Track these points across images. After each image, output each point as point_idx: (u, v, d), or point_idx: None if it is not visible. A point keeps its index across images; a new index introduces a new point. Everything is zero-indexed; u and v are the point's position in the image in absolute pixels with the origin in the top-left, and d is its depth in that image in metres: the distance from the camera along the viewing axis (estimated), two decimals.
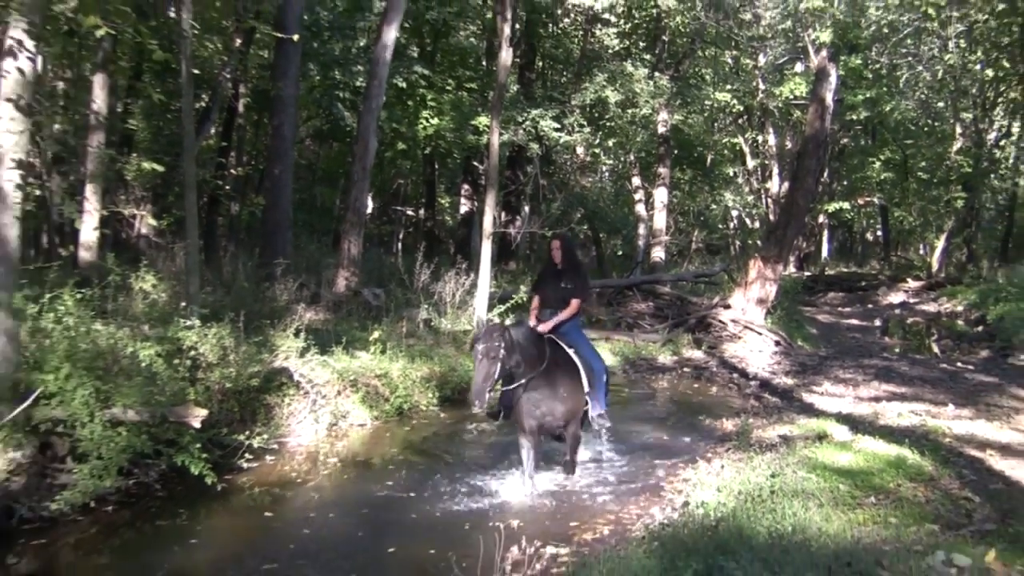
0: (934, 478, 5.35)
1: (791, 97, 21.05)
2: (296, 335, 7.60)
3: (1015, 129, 24.58)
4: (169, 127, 15.64)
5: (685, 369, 11.22)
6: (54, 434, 5.21)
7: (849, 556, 3.69)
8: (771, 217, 24.16)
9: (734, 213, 29.29)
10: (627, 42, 20.78)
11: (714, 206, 28.62)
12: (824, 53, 13.66)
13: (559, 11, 19.66)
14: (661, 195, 21.24)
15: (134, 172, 12.18)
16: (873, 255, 32.63)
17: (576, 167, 22.53)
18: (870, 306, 20.74)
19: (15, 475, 4.96)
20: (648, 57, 19.69)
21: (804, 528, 4.21)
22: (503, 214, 18.84)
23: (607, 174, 29.82)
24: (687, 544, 3.98)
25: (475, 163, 19.37)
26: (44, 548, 4.68)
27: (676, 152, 22.84)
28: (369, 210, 17.03)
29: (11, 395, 5.07)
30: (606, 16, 20.68)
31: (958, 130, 23.91)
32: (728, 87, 22.30)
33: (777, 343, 12.47)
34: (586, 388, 5.89)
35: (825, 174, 24.25)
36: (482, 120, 15.97)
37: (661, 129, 20.56)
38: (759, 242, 19.90)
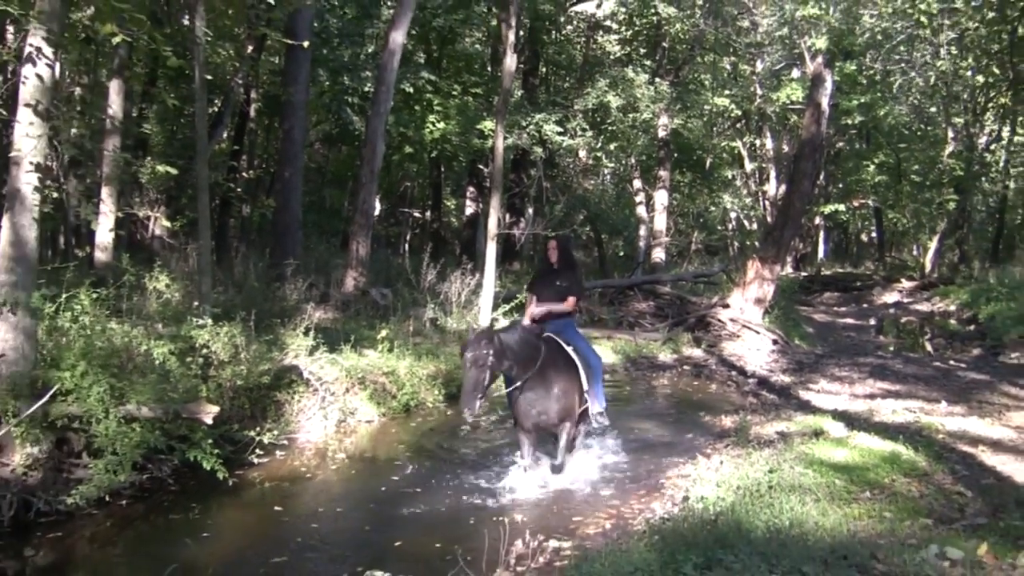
0: (928, 473, 5.37)
1: (788, 102, 21.09)
2: (305, 334, 7.65)
3: (1005, 133, 24.63)
4: (183, 131, 15.79)
5: (685, 367, 11.28)
6: (70, 430, 5.26)
7: (845, 549, 3.72)
8: (768, 219, 24.19)
9: (732, 215, 29.33)
10: (628, 48, 20.94)
11: (713, 208, 28.68)
12: (820, 59, 13.74)
13: (562, 18, 19.81)
14: (661, 197, 21.33)
15: (149, 175, 12.25)
16: (868, 256, 32.70)
17: (578, 170, 22.59)
18: (865, 306, 20.82)
19: (32, 470, 5.02)
20: (649, 63, 19.80)
21: (801, 522, 4.23)
22: (507, 216, 18.91)
23: (609, 177, 29.85)
24: (687, 538, 3.98)
25: (480, 166, 19.43)
26: (60, 541, 4.73)
27: (676, 155, 22.92)
28: (377, 212, 17.17)
29: (29, 392, 5.12)
30: (608, 23, 20.85)
31: (950, 134, 23.98)
32: (727, 92, 22.37)
33: (775, 342, 12.55)
34: (585, 386, 5.88)
35: (821, 177, 24.26)
36: (487, 124, 16.07)
37: (661, 133, 20.63)
38: (757, 243, 19.97)
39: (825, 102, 13.55)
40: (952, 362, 11.09)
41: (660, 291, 15.13)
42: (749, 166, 27.07)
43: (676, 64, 21.06)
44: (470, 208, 20.89)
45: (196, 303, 7.39)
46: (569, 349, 5.94)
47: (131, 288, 7.34)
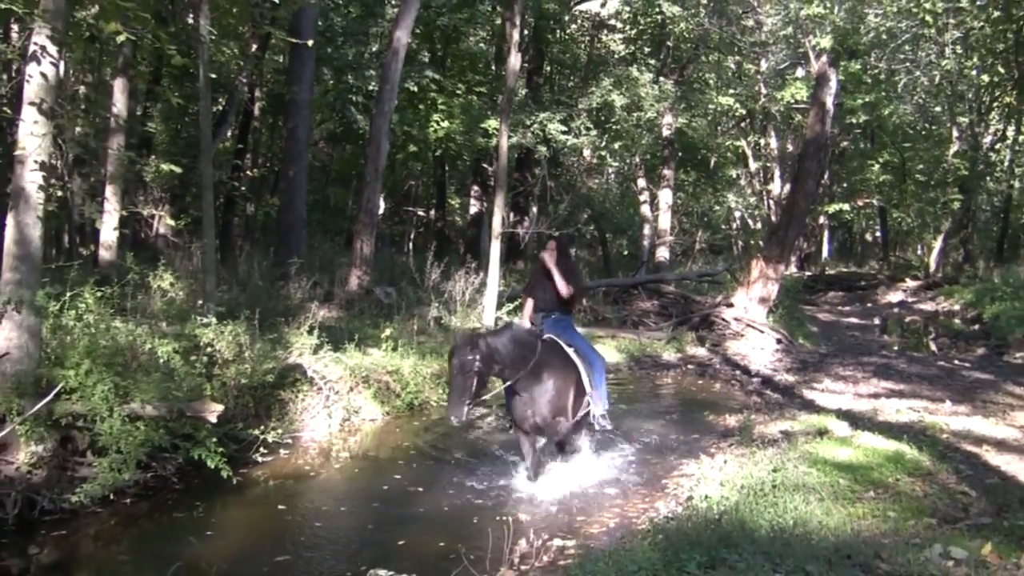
0: (932, 473, 5.36)
1: (792, 101, 21.10)
2: (310, 332, 7.65)
3: (1010, 133, 24.59)
4: (187, 130, 15.80)
5: (689, 366, 11.29)
6: (75, 428, 5.27)
7: (849, 549, 3.71)
8: (773, 218, 24.21)
9: (737, 214, 29.31)
10: (632, 47, 20.92)
11: (717, 207, 28.63)
12: (824, 58, 13.73)
13: (566, 17, 19.80)
14: (666, 196, 21.29)
15: (153, 174, 12.31)
16: (872, 255, 32.59)
17: (583, 169, 22.60)
18: (869, 305, 20.76)
19: (37, 468, 5.03)
20: (653, 62, 19.76)
21: (805, 521, 4.22)
22: (512, 215, 18.87)
23: (613, 176, 29.81)
24: (691, 537, 3.98)
25: (484, 165, 19.43)
26: (64, 539, 4.73)
27: (680, 154, 22.88)
28: (381, 211, 17.15)
29: (33, 390, 5.13)
30: (612, 22, 20.84)
31: (955, 134, 23.96)
32: (731, 91, 22.32)
33: (779, 341, 12.55)
34: (587, 388, 5.84)
35: (825, 176, 24.28)
36: (491, 123, 16.09)
37: (666, 132, 20.61)
38: (761, 242, 19.92)
39: (829, 101, 13.54)
40: (956, 362, 11.05)
41: (664, 290, 15.14)
42: (753, 165, 27.08)
43: (680, 63, 21.03)
44: (474, 207, 20.89)
45: (200, 301, 7.42)
46: (570, 350, 5.88)
47: (135, 286, 7.39)
